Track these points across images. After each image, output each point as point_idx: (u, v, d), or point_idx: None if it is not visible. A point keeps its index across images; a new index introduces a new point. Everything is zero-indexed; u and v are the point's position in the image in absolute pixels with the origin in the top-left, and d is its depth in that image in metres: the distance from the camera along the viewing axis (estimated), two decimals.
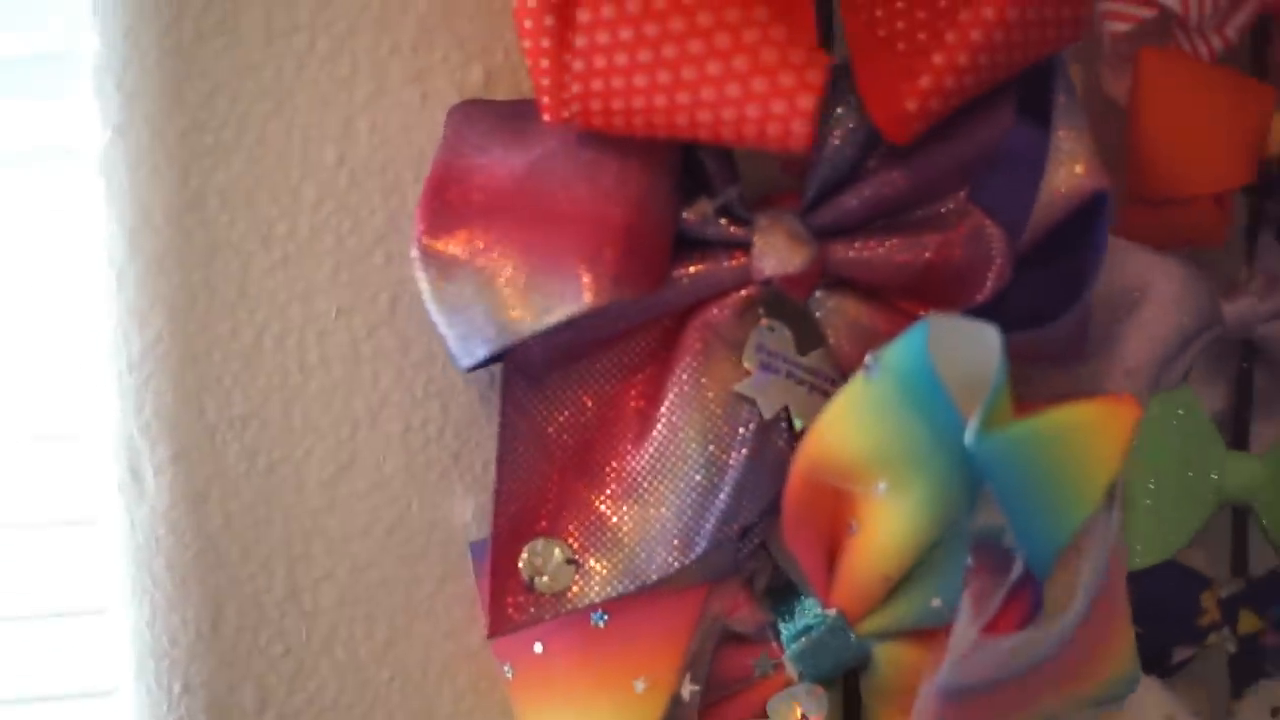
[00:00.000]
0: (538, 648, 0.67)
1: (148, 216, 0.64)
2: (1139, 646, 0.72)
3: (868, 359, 0.62)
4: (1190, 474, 0.79)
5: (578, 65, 0.57)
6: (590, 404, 0.66)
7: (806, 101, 0.54)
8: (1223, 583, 0.83)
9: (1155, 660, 0.80)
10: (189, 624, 0.67)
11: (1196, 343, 0.78)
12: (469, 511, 0.70)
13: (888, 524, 0.64)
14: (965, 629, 0.62)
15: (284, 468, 0.67)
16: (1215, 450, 0.80)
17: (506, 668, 0.68)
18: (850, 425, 0.63)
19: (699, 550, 0.65)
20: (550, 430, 0.66)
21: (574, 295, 0.59)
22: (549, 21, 0.57)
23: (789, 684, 0.68)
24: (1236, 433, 0.83)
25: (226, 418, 0.66)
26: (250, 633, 0.68)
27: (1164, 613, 0.79)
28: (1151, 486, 0.78)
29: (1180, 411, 0.78)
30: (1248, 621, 0.81)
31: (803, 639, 0.68)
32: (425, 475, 0.69)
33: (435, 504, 0.69)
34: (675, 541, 0.65)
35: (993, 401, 0.59)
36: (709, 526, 0.65)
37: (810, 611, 0.68)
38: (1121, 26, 0.74)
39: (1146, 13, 0.74)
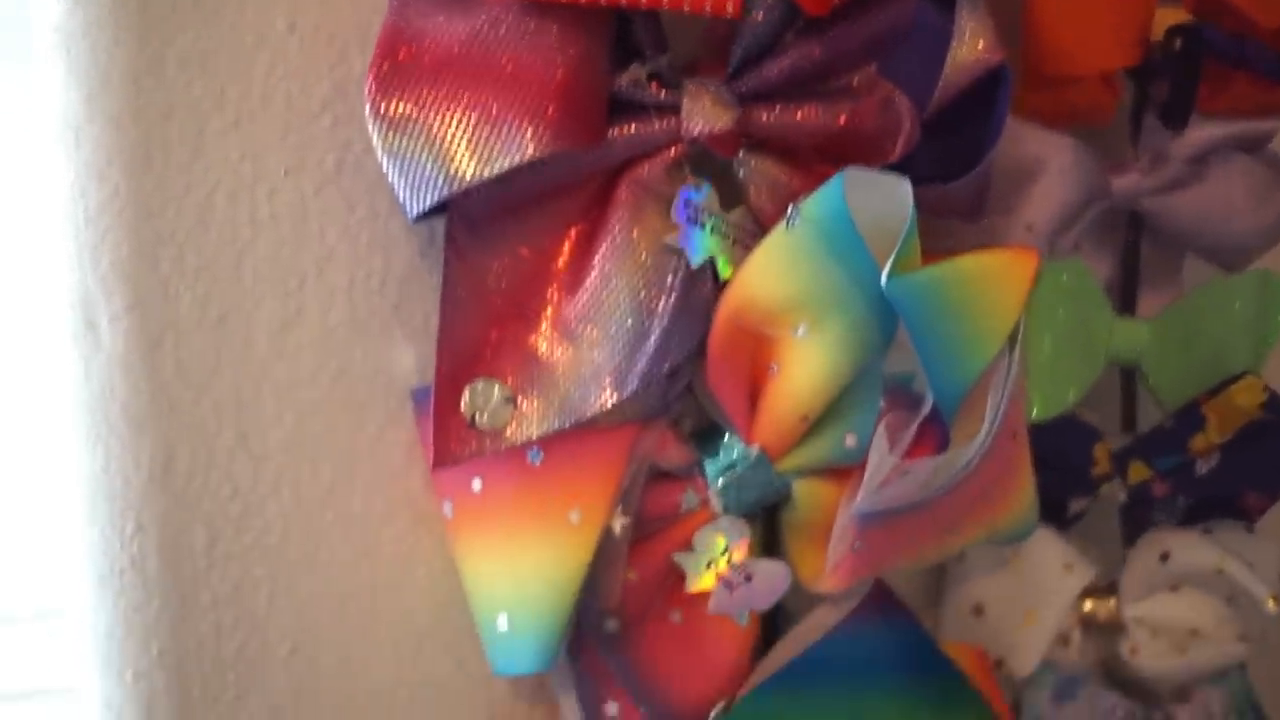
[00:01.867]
0: (476, 485, 0.69)
1: (106, 79, 0.65)
2: (1038, 497, 0.77)
3: (789, 210, 0.66)
4: (1080, 335, 0.84)
5: None
6: (527, 255, 0.68)
7: None
8: (1114, 438, 0.87)
9: (1053, 512, 0.85)
10: (142, 467, 0.68)
11: (1086, 213, 0.83)
12: (409, 360, 0.72)
13: (806, 365, 0.68)
14: (882, 459, 0.67)
15: (235, 318, 0.69)
16: (1104, 314, 0.85)
17: (446, 505, 0.70)
18: (772, 272, 0.67)
19: (630, 389, 0.67)
20: (489, 278, 0.68)
21: (518, 146, 0.62)
22: None
23: (713, 518, 0.72)
24: (1125, 300, 0.88)
25: (180, 270, 0.67)
26: (200, 476, 0.69)
27: (1059, 464, 0.83)
28: (1045, 346, 0.83)
29: (1071, 277, 0.83)
30: (1137, 471, 0.86)
31: (727, 474, 0.71)
32: (368, 325, 0.71)
33: (378, 353, 0.71)
34: (608, 380, 0.67)
35: (904, 247, 0.64)
36: (640, 367, 0.67)
37: (734, 449, 0.72)
38: None
39: None
